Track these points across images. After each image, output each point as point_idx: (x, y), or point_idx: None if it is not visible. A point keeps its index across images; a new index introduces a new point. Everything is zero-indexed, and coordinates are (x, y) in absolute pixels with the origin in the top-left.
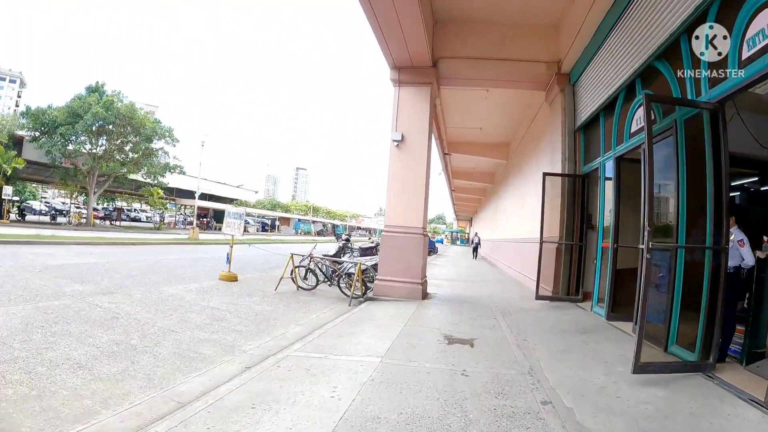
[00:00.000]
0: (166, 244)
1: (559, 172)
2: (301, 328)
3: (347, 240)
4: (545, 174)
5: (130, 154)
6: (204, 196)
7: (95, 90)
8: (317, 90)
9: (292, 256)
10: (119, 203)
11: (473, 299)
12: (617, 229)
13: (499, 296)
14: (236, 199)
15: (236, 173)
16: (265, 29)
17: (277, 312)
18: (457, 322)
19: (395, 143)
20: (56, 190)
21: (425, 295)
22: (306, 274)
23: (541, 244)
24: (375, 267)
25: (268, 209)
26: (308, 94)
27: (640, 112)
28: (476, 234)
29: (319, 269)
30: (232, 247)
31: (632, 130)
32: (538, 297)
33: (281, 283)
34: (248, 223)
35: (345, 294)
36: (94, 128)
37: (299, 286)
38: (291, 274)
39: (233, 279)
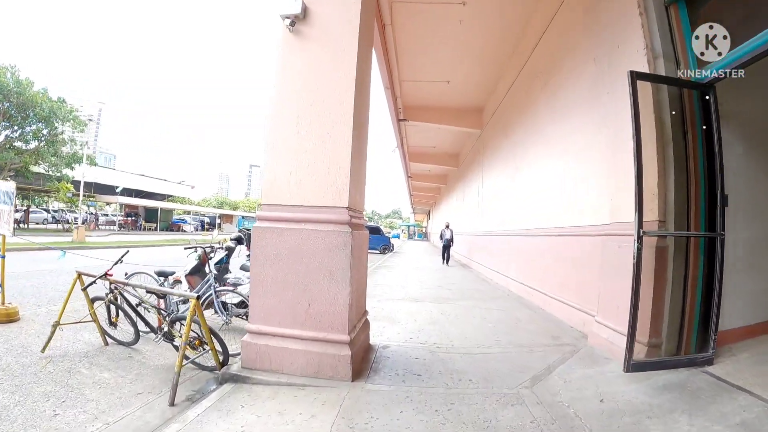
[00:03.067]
0: (26, 250)
1: (644, 83)
2: None
3: (239, 241)
4: (635, 75)
5: (31, 142)
6: (128, 192)
7: None
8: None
9: (79, 277)
10: (58, 204)
11: (471, 364)
12: None
13: (515, 344)
14: (171, 196)
15: (189, 172)
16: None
17: None
18: None
19: (288, 22)
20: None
21: (360, 370)
22: (113, 313)
23: (639, 238)
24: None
25: (214, 207)
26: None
27: None
28: (447, 226)
29: (130, 306)
30: (3, 257)
31: None
32: (632, 366)
33: (78, 328)
34: (185, 222)
35: (187, 359)
36: None
37: (108, 338)
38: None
39: (6, 318)
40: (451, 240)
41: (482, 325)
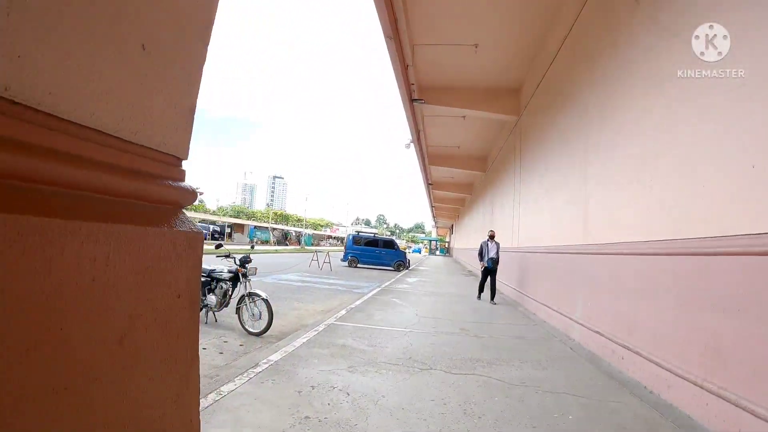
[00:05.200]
0: None
1: None
2: None
3: None
4: None
5: None
6: None
7: None
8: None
9: None
10: None
11: None
12: None
13: None
14: None
15: (214, 181)
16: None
17: None
18: None
19: None
20: None
21: None
22: None
23: None
24: None
25: (231, 216)
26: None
27: None
28: (492, 237)
29: None
30: None
31: None
32: None
33: None
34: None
35: None
36: None
37: None
38: None
39: None
40: (497, 258)
41: None
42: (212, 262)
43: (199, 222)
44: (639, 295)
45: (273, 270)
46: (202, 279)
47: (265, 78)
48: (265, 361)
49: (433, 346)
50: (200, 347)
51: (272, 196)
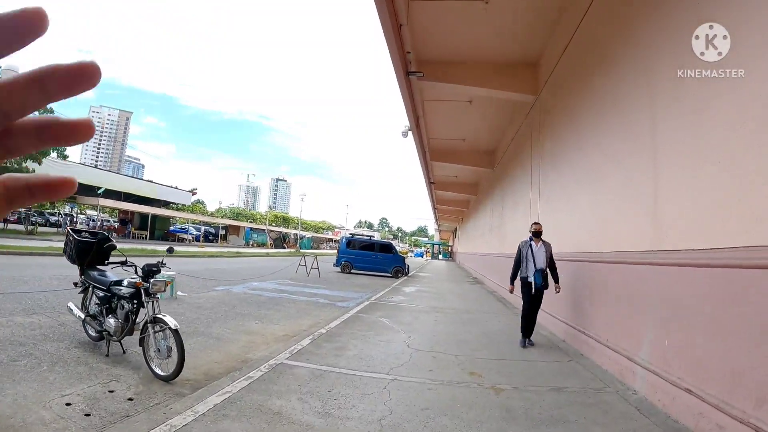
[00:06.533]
0: None
1: None
2: None
3: None
4: None
5: None
6: (112, 194)
7: None
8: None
9: None
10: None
11: None
12: None
13: None
14: (171, 203)
15: (217, 183)
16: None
17: None
18: None
19: None
20: None
21: None
22: None
23: None
24: None
25: (230, 218)
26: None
27: None
28: (536, 234)
29: None
30: None
31: None
32: None
33: None
34: (185, 231)
35: None
36: None
37: None
38: None
39: None
40: (550, 269)
41: None
42: (122, 271)
43: (191, 224)
44: None
45: (252, 276)
46: (101, 294)
47: (272, 77)
48: None
49: (425, 414)
50: (66, 398)
51: (275, 198)
